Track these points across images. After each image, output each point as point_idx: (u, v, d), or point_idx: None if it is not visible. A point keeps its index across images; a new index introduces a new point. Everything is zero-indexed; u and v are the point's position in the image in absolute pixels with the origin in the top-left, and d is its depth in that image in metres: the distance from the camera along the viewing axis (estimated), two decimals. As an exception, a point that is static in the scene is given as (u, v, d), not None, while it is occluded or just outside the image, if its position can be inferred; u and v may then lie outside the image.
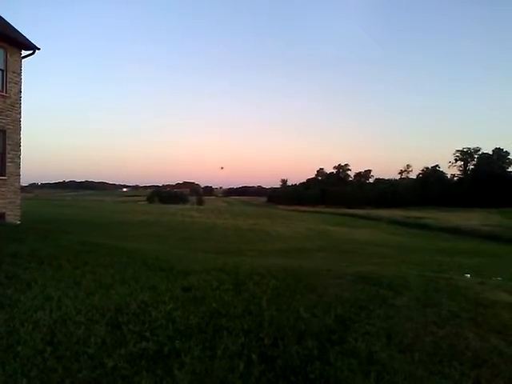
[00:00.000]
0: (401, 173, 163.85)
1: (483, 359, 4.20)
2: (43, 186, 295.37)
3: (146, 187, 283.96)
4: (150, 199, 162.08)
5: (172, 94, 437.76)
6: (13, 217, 18.12)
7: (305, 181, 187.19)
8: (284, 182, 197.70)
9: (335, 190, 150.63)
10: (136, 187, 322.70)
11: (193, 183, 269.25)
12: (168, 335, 4.27)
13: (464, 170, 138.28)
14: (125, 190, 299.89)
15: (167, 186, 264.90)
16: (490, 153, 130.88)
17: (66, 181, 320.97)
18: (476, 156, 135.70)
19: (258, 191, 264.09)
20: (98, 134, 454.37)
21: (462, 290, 7.45)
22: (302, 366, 3.73)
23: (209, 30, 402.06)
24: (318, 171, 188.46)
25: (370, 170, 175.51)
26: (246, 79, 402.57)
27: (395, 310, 5.69)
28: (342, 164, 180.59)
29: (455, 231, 53.25)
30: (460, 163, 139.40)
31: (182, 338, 4.19)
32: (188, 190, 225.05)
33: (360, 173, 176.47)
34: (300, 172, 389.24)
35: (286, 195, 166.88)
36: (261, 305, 5.48)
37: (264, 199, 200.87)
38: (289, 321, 4.87)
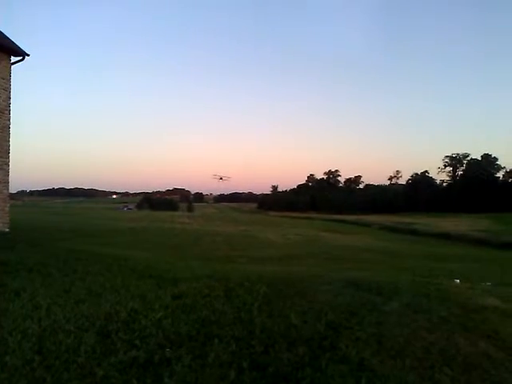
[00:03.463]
0: (390, 179, 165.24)
1: (473, 364, 4.22)
2: (32, 193, 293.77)
3: (135, 194, 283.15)
4: (139, 206, 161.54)
5: (163, 102, 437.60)
6: (1, 224, 17.90)
7: (295, 187, 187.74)
8: (274, 188, 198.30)
9: (325, 196, 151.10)
10: (126, 194, 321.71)
11: (183, 190, 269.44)
12: (158, 343, 4.24)
13: (453, 175, 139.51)
14: (114, 196, 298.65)
15: (157, 192, 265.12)
16: (479, 158, 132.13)
17: (56, 188, 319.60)
18: (465, 162, 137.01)
19: (248, 197, 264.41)
20: (87, 141, 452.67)
21: (452, 296, 7.47)
22: (293, 373, 3.72)
23: (196, 36, 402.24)
24: (308, 177, 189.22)
25: (359, 176, 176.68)
26: (235, 85, 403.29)
27: (386, 315, 5.69)
28: (333, 170, 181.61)
29: (445, 236, 53.61)
30: (449, 169, 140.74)
31: (173, 347, 4.17)
32: (178, 196, 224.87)
33: (350, 179, 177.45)
34: (290, 178, 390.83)
35: (277, 201, 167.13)
36: (252, 312, 5.46)
37: (255, 205, 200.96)
38: (280, 328, 4.85)
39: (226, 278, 7.86)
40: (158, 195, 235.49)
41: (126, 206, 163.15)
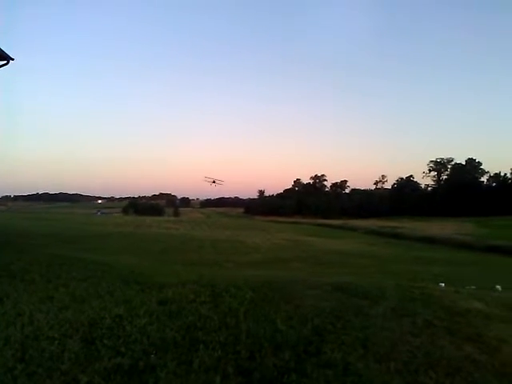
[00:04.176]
0: (376, 183, 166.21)
1: (457, 367, 4.25)
2: (16, 198, 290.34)
3: (121, 199, 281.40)
4: (125, 211, 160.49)
5: (149, 107, 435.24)
6: (-17, 230, 17.67)
7: (282, 191, 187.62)
8: (261, 192, 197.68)
9: (312, 201, 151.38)
10: (111, 199, 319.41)
11: (169, 194, 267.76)
12: (143, 350, 4.21)
13: (438, 180, 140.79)
14: (99, 201, 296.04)
15: (143, 197, 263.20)
16: (463, 163, 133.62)
17: (40, 193, 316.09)
18: (449, 166, 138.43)
19: (235, 202, 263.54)
20: (71, 145, 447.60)
21: (437, 299, 7.51)
22: (278, 378, 3.72)
23: (184, 38, 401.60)
24: (294, 182, 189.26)
25: (345, 181, 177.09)
26: (222, 89, 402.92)
27: (371, 319, 5.71)
28: (319, 175, 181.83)
29: (430, 240, 54.01)
30: (434, 173, 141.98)
31: (158, 353, 4.14)
32: (164, 201, 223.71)
33: (336, 183, 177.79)
34: (277, 183, 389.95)
35: (263, 206, 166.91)
36: (238, 317, 5.44)
37: (241, 210, 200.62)
38: (266, 333, 4.84)
39: (212, 284, 7.82)
40: (144, 200, 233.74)
41: (100, 211, 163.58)
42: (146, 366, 3.84)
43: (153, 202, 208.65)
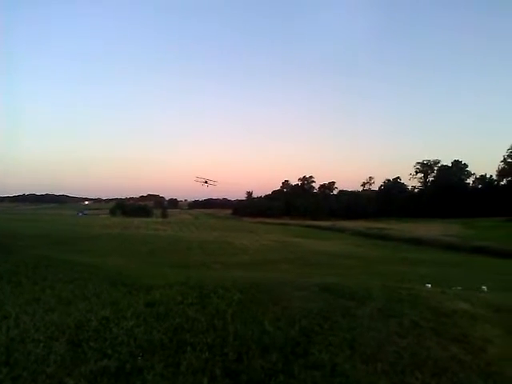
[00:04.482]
0: (363, 185, 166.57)
1: (443, 368, 4.29)
2: (2, 199, 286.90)
3: (108, 200, 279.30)
4: (112, 212, 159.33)
5: (137, 108, 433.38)
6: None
7: (270, 193, 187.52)
8: (249, 194, 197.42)
9: (300, 202, 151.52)
10: (98, 200, 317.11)
11: (157, 196, 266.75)
12: (130, 352, 4.18)
13: (424, 181, 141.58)
14: (86, 203, 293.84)
15: (130, 198, 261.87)
16: (449, 165, 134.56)
17: (26, 194, 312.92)
18: (436, 168, 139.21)
19: (223, 203, 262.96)
20: (58, 146, 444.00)
21: (424, 300, 7.56)
22: (265, 379, 3.72)
23: (172, 40, 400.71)
24: (283, 183, 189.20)
25: (333, 182, 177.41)
26: (211, 91, 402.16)
27: (358, 320, 5.73)
28: (307, 176, 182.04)
29: (417, 242, 54.42)
30: (420, 175, 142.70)
31: (145, 355, 4.12)
32: (152, 202, 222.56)
33: (324, 185, 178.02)
34: (265, 184, 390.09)
35: (252, 207, 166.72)
36: (225, 319, 5.42)
37: (229, 211, 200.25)
38: (253, 334, 4.83)
39: (199, 285, 7.78)
40: (132, 201, 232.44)
41: (81, 212, 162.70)
42: (132, 368, 3.82)
43: (140, 203, 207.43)
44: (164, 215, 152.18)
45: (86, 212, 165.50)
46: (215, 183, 70.93)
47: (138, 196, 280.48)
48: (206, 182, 67.76)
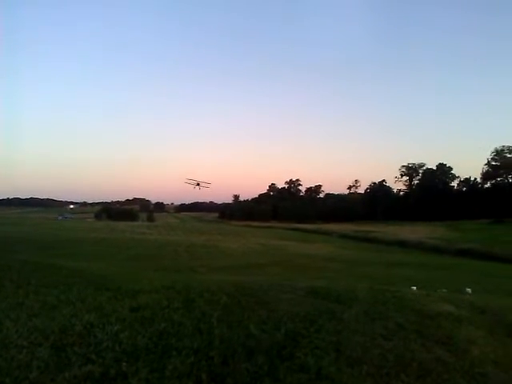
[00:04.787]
0: (350, 188, 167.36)
1: (428, 370, 4.32)
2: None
3: (94, 204, 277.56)
4: (97, 216, 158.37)
5: (123, 111, 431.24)
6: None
7: (257, 196, 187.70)
8: (236, 197, 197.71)
9: (287, 205, 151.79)
10: (84, 204, 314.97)
11: (143, 199, 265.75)
12: (114, 357, 4.14)
13: (409, 184, 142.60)
14: (72, 206, 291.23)
15: (116, 202, 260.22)
16: (434, 168, 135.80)
17: (11, 198, 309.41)
18: (421, 171, 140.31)
19: (209, 207, 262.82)
20: (43, 149, 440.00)
21: (409, 303, 7.60)
22: (251, 383, 3.73)
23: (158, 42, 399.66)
24: (269, 186, 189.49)
25: (320, 185, 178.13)
26: (197, 94, 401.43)
27: (344, 323, 5.74)
28: (294, 179, 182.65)
29: (402, 244, 54.96)
30: (405, 178, 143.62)
31: (129, 360, 4.08)
32: (138, 206, 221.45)
33: (311, 188, 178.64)
34: (252, 187, 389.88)
35: (238, 211, 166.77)
36: (211, 323, 5.40)
37: (216, 215, 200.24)
38: (239, 338, 4.82)
39: (186, 289, 7.74)
40: (118, 205, 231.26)
41: (62, 215, 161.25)
42: (117, 373, 3.78)
43: (126, 206, 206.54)
44: (150, 219, 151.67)
45: (67, 216, 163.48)
46: (208, 185, 65.62)
47: (123, 200, 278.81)
48: (197, 185, 62.35)
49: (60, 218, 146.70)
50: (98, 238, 37.97)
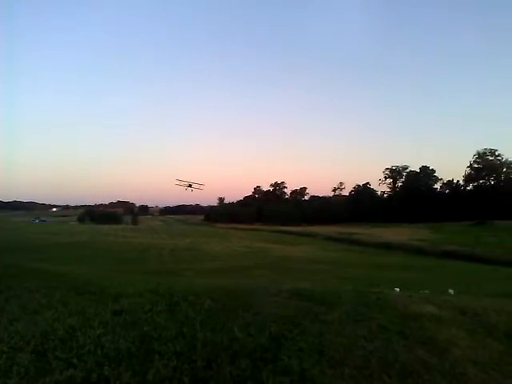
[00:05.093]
0: (334, 190, 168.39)
1: (410, 371, 4.34)
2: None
3: (77, 207, 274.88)
4: (80, 219, 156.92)
5: (106, 113, 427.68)
6: None
7: (242, 199, 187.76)
8: (221, 200, 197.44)
9: (272, 208, 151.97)
10: (66, 207, 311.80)
11: (127, 202, 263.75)
12: (96, 361, 4.11)
13: (393, 187, 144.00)
14: (55, 209, 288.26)
15: (100, 205, 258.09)
16: (418, 170, 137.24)
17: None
18: (404, 173, 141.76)
19: (195, 209, 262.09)
20: (26, 152, 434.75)
21: (392, 304, 7.64)
22: (234, 386, 3.71)
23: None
24: (254, 189, 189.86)
25: (305, 188, 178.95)
26: (181, 96, 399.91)
27: (327, 325, 5.76)
28: (279, 182, 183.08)
29: (386, 246, 55.41)
30: (389, 180, 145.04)
31: (111, 364, 4.05)
32: (122, 209, 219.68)
33: (296, 190, 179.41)
34: (237, 190, 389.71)
35: (224, 213, 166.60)
36: (195, 326, 5.38)
37: (201, 217, 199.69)
38: (223, 341, 4.81)
39: (169, 293, 7.70)
40: (101, 208, 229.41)
41: (38, 218, 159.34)
42: (99, 377, 3.75)
43: (110, 210, 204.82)
44: (134, 222, 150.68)
45: (43, 218, 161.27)
46: (201, 187, 60.09)
47: (107, 203, 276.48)
48: (189, 186, 57.48)
49: (36, 221, 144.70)
50: (80, 242, 37.65)
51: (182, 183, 57.58)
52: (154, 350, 4.48)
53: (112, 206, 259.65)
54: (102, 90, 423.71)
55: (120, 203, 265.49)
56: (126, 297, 7.34)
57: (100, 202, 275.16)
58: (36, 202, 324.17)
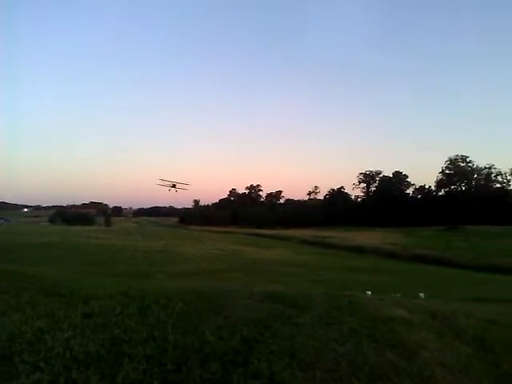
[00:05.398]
0: (309, 194, 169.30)
1: (379, 374, 4.39)
2: None
3: (48, 207, 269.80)
4: (52, 220, 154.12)
5: (78, 110, 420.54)
6: None
7: (217, 201, 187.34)
8: (196, 202, 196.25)
9: (247, 211, 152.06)
10: (38, 207, 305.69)
11: (100, 203, 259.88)
12: (64, 364, 4.03)
13: (367, 191, 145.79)
14: (26, 210, 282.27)
15: (72, 206, 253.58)
16: (391, 175, 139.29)
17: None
18: (377, 178, 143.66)
19: (169, 211, 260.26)
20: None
21: (363, 307, 7.72)
22: (204, 390, 3.70)
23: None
24: (230, 191, 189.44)
25: (280, 191, 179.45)
26: (155, 96, 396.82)
27: (299, 328, 5.78)
28: (254, 185, 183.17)
29: (359, 250, 56.02)
30: (363, 185, 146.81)
31: (80, 367, 3.98)
32: (95, 210, 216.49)
33: (271, 193, 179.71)
34: (213, 192, 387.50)
35: (198, 215, 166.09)
36: (166, 329, 5.34)
37: (176, 220, 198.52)
38: (194, 345, 4.78)
39: (141, 295, 7.64)
40: (73, 209, 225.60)
41: (2, 218, 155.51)
42: (66, 381, 3.68)
43: (82, 211, 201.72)
44: (107, 223, 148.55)
45: (8, 219, 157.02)
46: (186, 187, 54.71)
47: (79, 203, 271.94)
48: (173, 186, 51.67)
49: (1, 221, 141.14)
50: (51, 243, 36.99)
51: (165, 183, 52.61)
52: (124, 353, 4.43)
53: (84, 206, 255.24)
54: (84, 91, 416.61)
55: (93, 204, 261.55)
56: (97, 299, 7.24)
57: (72, 203, 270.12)
58: (7, 202, 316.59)
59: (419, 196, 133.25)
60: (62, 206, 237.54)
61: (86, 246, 36.30)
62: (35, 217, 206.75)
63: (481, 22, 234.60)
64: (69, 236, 51.63)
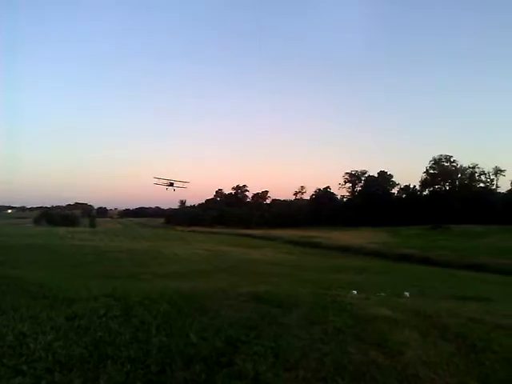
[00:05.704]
0: (296, 194, 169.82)
1: (363, 372, 4.42)
2: None
3: (33, 208, 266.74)
4: (36, 221, 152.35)
5: (63, 111, 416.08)
6: None
7: (203, 202, 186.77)
8: (182, 202, 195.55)
9: (233, 211, 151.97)
10: (22, 208, 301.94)
11: (85, 204, 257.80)
12: (47, 368, 4.00)
13: (352, 191, 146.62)
14: (10, 211, 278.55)
15: (57, 207, 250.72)
16: (376, 175, 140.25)
17: None
18: (363, 178, 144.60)
19: (155, 212, 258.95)
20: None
21: (348, 307, 7.76)
22: (188, 391, 3.69)
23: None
24: (216, 192, 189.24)
25: (267, 191, 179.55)
26: (144, 95, 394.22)
27: (284, 328, 5.80)
28: (241, 185, 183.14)
29: (345, 249, 56.37)
30: (349, 185, 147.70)
31: (63, 370, 3.95)
32: (80, 211, 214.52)
33: (258, 194, 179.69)
34: (199, 193, 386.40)
35: (185, 216, 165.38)
36: (150, 331, 5.32)
37: (162, 220, 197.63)
38: (178, 346, 4.77)
39: (125, 297, 7.58)
40: (58, 210, 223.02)
41: None
42: (48, 384, 3.66)
43: (67, 211, 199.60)
44: (92, 224, 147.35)
45: None
46: (185, 185, 53.16)
47: (64, 205, 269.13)
48: (171, 185, 50.25)
49: None
50: (35, 244, 36.49)
51: (162, 182, 50.73)
52: (108, 355, 4.41)
53: (69, 208, 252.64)
54: (73, 93, 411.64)
55: (78, 205, 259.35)
56: (80, 301, 7.19)
57: (57, 204, 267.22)
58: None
59: (404, 196, 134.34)
60: (46, 207, 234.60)
61: (71, 248, 35.88)
62: (19, 218, 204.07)
63: (453, 20, 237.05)
64: (53, 237, 51.07)
